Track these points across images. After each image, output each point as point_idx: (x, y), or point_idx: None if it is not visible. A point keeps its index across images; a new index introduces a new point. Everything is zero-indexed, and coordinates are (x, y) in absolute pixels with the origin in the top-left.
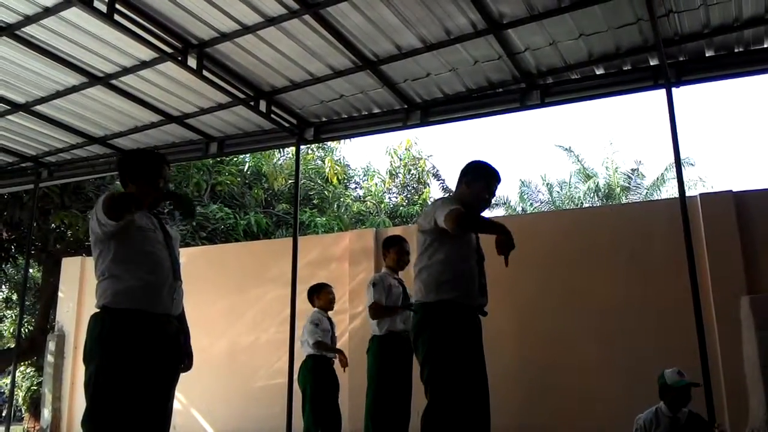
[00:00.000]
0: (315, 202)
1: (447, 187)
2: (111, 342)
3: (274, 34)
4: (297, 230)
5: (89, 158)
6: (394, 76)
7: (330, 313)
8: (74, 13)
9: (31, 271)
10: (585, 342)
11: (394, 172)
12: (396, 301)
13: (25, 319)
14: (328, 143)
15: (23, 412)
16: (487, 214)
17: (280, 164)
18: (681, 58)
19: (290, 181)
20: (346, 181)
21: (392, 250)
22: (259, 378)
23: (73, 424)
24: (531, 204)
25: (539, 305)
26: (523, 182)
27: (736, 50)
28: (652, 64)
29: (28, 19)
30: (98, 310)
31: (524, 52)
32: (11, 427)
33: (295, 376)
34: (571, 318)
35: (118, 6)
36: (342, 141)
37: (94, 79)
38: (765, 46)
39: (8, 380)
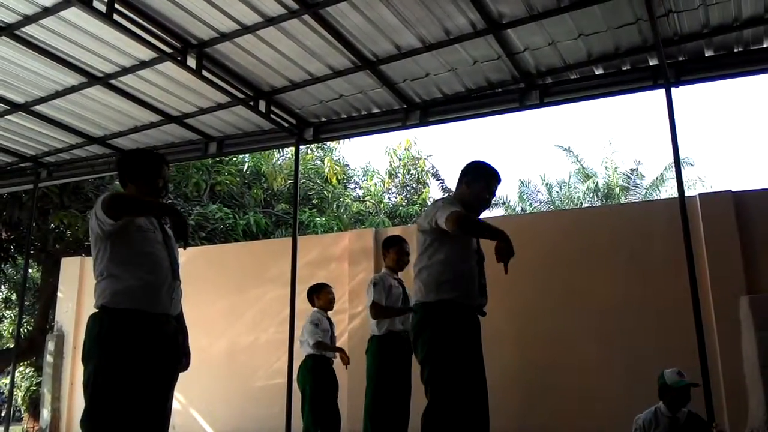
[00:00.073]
0: (314, 202)
1: (446, 187)
2: (110, 342)
3: (273, 34)
4: (296, 230)
5: (88, 158)
6: (394, 76)
7: (329, 313)
8: (73, 13)
9: (30, 271)
10: (584, 342)
11: (393, 172)
12: (396, 301)
13: (25, 319)
14: (328, 143)
15: (22, 412)
16: (486, 214)
17: (280, 164)
18: (680, 58)
19: (289, 181)
20: (345, 181)
21: (392, 251)
22: (259, 378)
23: (73, 424)
24: (530, 204)
25: (539, 305)
26: (522, 182)
27: (735, 50)
28: (651, 64)
29: (28, 19)
30: (97, 310)
31: (523, 52)
32: (10, 427)
33: (295, 376)
34: (570, 318)
35: (117, 6)
36: (341, 141)
37: (93, 79)
38: (764, 45)
39: (7, 380)
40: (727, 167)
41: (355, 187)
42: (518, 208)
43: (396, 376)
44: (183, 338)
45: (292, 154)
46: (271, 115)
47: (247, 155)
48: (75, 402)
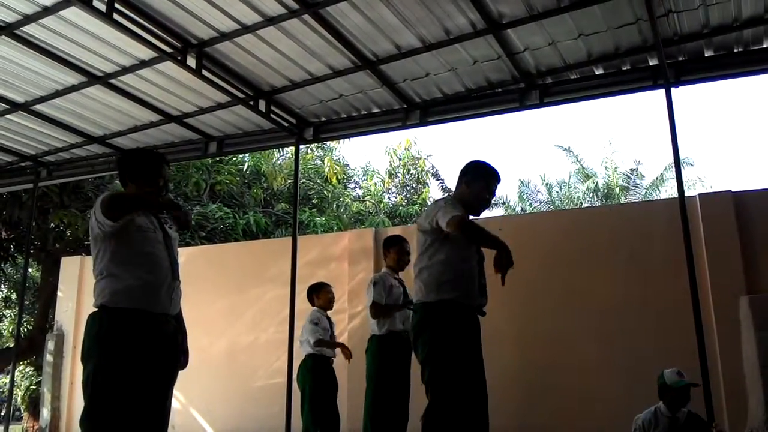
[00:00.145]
0: (314, 201)
1: (446, 186)
2: (109, 341)
3: (273, 34)
4: (296, 230)
5: (88, 157)
6: (394, 75)
7: (329, 312)
8: (73, 13)
9: (30, 270)
10: (584, 342)
11: (393, 172)
12: (396, 300)
13: (24, 319)
14: (328, 143)
15: (22, 411)
16: (486, 213)
17: (280, 164)
18: (680, 58)
19: (289, 181)
20: (345, 180)
21: (393, 250)
22: (259, 378)
23: (72, 424)
24: (530, 204)
25: (538, 305)
26: (522, 182)
27: (735, 50)
28: (651, 64)
29: (28, 19)
30: (96, 309)
31: (523, 52)
32: (10, 427)
33: (294, 376)
34: (570, 318)
35: (117, 5)
36: (341, 141)
37: (93, 78)
38: (764, 46)
39: (7, 380)
40: (727, 167)
41: (355, 187)
42: (518, 208)
43: (396, 376)
44: (182, 338)
45: (292, 154)
46: (271, 115)
47: (247, 155)
48: (75, 401)
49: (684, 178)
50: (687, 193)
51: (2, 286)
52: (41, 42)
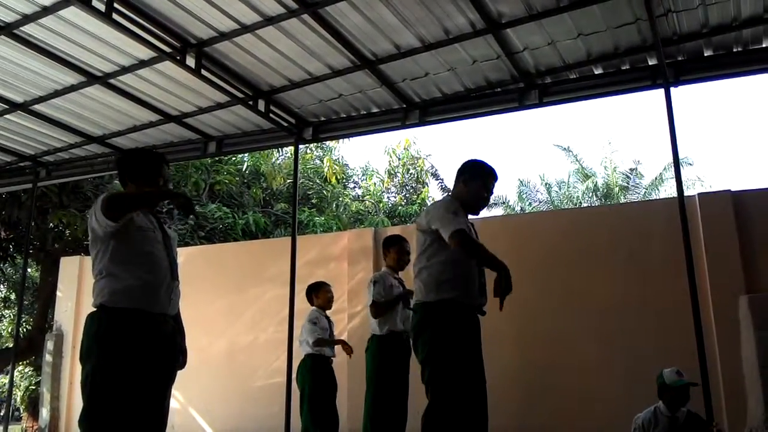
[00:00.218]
0: (314, 201)
1: (446, 186)
2: (108, 341)
3: (272, 34)
4: (296, 230)
5: (88, 157)
6: (393, 75)
7: (328, 312)
8: (72, 12)
9: (29, 270)
10: (584, 342)
11: (392, 172)
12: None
13: (24, 319)
14: (327, 143)
15: (21, 411)
16: (485, 213)
17: (279, 164)
18: (679, 58)
19: (289, 181)
20: (344, 180)
21: (392, 250)
22: (258, 377)
23: (72, 424)
24: (529, 203)
25: (538, 305)
26: (521, 182)
27: (734, 50)
28: (650, 63)
29: (27, 18)
30: (95, 309)
31: (523, 52)
32: (9, 427)
33: (294, 376)
34: (569, 318)
35: (116, 5)
36: (340, 140)
37: (92, 78)
38: (763, 45)
39: (6, 380)
40: (726, 167)
41: (355, 187)
42: (517, 208)
43: (396, 376)
44: (180, 338)
45: (291, 154)
46: (271, 115)
47: (246, 155)
48: (74, 401)
49: (683, 178)
50: (686, 193)
51: (1, 286)
52: (40, 42)
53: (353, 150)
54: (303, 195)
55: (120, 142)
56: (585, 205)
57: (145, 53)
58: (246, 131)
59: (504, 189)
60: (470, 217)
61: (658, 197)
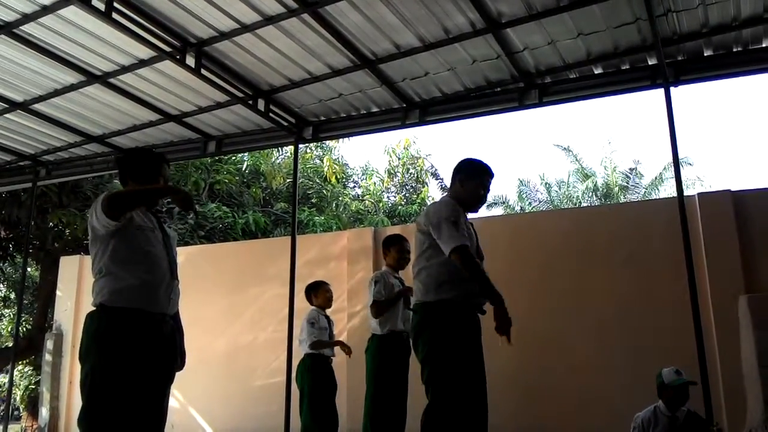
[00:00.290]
0: (313, 201)
1: (445, 186)
2: (107, 340)
3: (272, 33)
4: (295, 229)
5: (87, 157)
6: (393, 75)
7: (328, 311)
8: (72, 12)
9: (29, 269)
10: (583, 342)
11: (392, 171)
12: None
13: (23, 318)
14: (327, 142)
15: (21, 411)
16: (485, 213)
17: (279, 163)
18: (679, 58)
19: (288, 180)
20: (344, 180)
21: (393, 249)
22: (258, 377)
23: (71, 423)
24: (529, 203)
25: (537, 305)
26: (521, 181)
27: (734, 50)
28: (650, 63)
29: (27, 18)
30: (95, 308)
31: (523, 52)
32: (9, 426)
33: (293, 375)
34: (569, 317)
35: (116, 4)
36: (340, 140)
37: (92, 77)
38: (763, 45)
39: (6, 379)
40: (726, 167)
41: (354, 186)
42: (517, 208)
43: (396, 376)
44: (180, 337)
45: (291, 153)
46: (270, 114)
47: (246, 154)
48: (74, 401)
49: (683, 178)
50: (686, 193)
51: (1, 285)
52: (40, 41)
53: (353, 149)
54: (303, 194)
55: (120, 141)
56: (585, 204)
57: (144, 53)
58: (246, 131)
59: (504, 189)
60: (470, 216)
61: (658, 197)
